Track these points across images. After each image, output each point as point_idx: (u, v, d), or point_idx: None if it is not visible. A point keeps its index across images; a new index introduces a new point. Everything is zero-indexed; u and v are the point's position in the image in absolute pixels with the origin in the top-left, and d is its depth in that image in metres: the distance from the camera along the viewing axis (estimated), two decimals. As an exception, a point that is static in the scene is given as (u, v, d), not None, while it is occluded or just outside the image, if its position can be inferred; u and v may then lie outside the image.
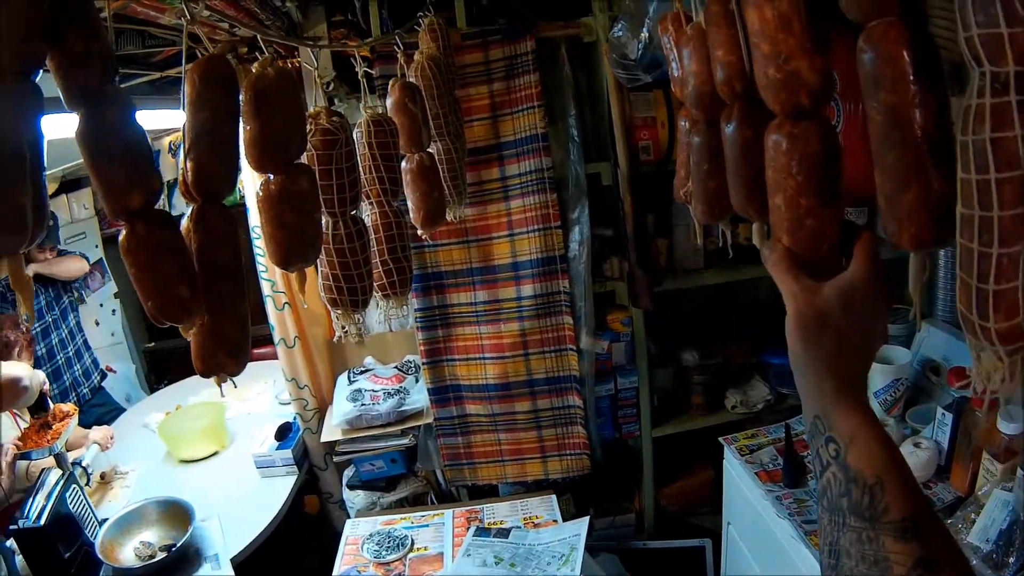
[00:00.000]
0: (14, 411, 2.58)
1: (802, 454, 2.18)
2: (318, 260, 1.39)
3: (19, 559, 2.15)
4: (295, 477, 2.90)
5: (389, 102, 1.74)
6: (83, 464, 2.73)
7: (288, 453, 2.90)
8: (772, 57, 0.79)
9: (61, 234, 4.07)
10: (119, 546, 2.35)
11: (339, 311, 1.46)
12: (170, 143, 4.20)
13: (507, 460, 2.89)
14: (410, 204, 1.83)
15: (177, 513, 2.45)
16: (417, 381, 2.94)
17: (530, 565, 2.28)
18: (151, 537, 2.41)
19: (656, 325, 2.82)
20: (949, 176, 0.67)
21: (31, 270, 3.32)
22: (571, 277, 2.65)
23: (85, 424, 3.08)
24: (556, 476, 2.89)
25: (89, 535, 2.32)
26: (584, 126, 2.64)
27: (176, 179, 3.94)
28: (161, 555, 2.30)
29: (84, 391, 3.67)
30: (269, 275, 2.82)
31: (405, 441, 2.81)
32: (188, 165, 0.99)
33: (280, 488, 2.83)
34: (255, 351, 2.98)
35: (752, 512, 2.17)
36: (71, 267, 3.66)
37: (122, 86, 0.90)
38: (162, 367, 5.06)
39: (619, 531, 3.03)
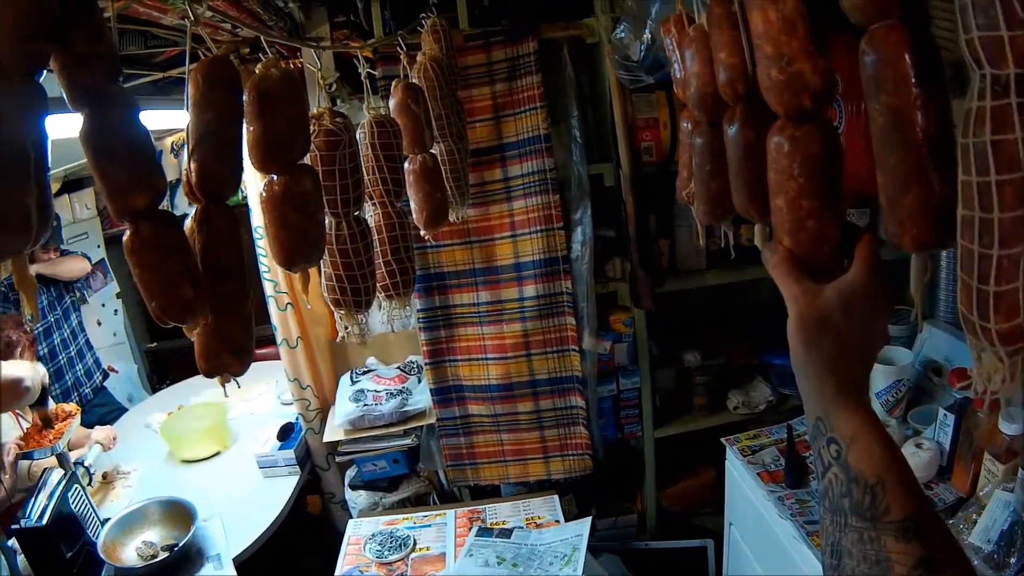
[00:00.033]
0: (16, 411, 2.58)
1: (804, 455, 2.18)
2: (321, 261, 1.39)
3: (21, 559, 2.15)
4: (297, 477, 2.90)
5: (392, 103, 1.74)
6: (85, 464, 2.74)
7: (290, 453, 2.90)
8: (775, 59, 0.79)
9: (63, 234, 4.08)
10: (121, 546, 2.35)
11: (342, 311, 1.46)
12: (172, 144, 4.20)
13: (509, 460, 2.89)
14: (413, 205, 1.83)
15: (179, 513, 2.45)
16: (420, 381, 2.94)
17: (532, 565, 2.28)
18: (153, 537, 2.41)
19: (658, 326, 2.82)
20: (950, 178, 0.67)
21: (33, 270, 3.32)
22: (573, 278, 2.65)
23: (87, 424, 3.08)
24: (558, 476, 2.89)
25: (91, 535, 2.32)
26: (586, 127, 2.64)
27: (178, 180, 3.94)
28: (163, 555, 2.30)
29: (86, 391, 3.67)
30: (272, 275, 2.82)
31: (407, 441, 2.82)
32: (192, 166, 0.99)
33: (282, 488, 2.83)
34: (257, 351, 2.99)
35: (754, 513, 2.17)
36: (72, 267, 3.67)
37: (124, 87, 0.90)
38: (164, 367, 5.07)
39: (621, 531, 3.03)
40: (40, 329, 3.40)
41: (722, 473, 2.46)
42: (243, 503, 2.75)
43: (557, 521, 2.58)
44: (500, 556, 2.34)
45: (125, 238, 0.91)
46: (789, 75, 0.78)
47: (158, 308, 0.93)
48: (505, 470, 2.91)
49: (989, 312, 0.63)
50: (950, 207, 0.67)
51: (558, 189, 2.58)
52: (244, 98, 1.08)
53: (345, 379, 3.02)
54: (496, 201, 2.63)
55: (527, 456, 2.88)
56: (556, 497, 2.75)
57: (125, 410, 3.85)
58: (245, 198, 2.79)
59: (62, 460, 2.43)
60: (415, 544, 2.52)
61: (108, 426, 3.19)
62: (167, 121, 3.06)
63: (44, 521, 2.11)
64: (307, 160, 1.26)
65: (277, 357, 3.04)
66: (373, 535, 2.58)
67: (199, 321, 1.01)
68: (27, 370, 2.41)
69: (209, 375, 1.06)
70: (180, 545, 2.30)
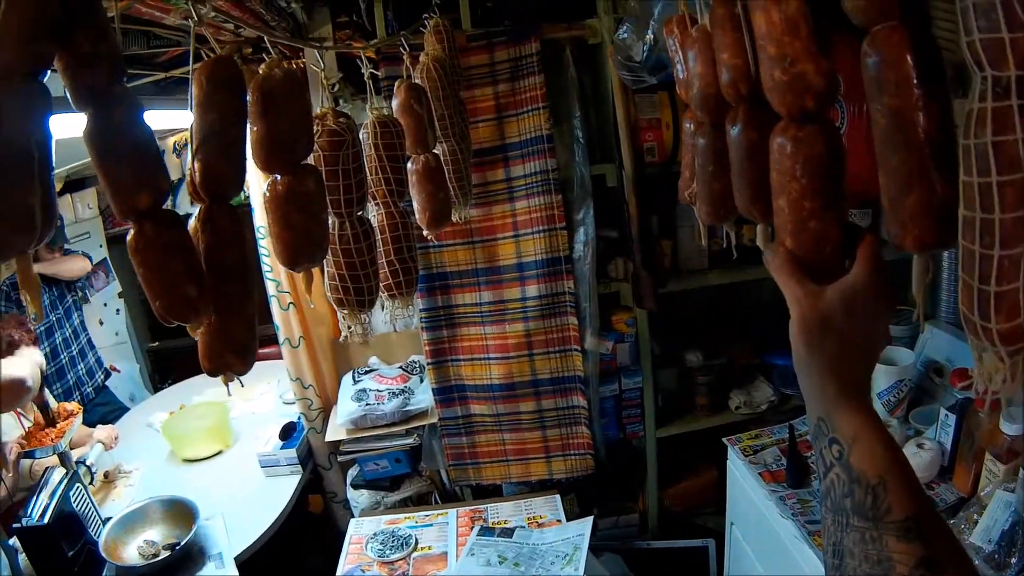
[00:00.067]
0: (18, 410, 2.59)
1: (806, 454, 2.18)
2: (325, 260, 1.39)
3: (22, 557, 2.16)
4: (299, 476, 2.90)
5: (395, 103, 1.74)
6: (87, 463, 2.74)
7: (292, 452, 2.90)
8: (778, 60, 0.79)
9: (66, 234, 4.09)
10: (123, 545, 2.35)
11: (346, 311, 1.46)
12: (174, 143, 4.21)
13: (511, 460, 2.89)
14: (416, 205, 1.84)
15: (181, 512, 2.45)
16: (422, 381, 2.94)
17: (534, 565, 2.28)
18: (155, 536, 2.41)
19: (660, 326, 2.82)
20: (952, 179, 0.67)
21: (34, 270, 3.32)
22: (576, 278, 2.66)
23: (89, 423, 3.09)
24: (560, 476, 2.89)
25: (93, 534, 2.32)
26: (589, 128, 2.65)
27: (180, 179, 3.95)
28: (165, 554, 2.30)
29: (88, 390, 3.68)
30: (274, 275, 2.83)
31: (409, 441, 2.82)
32: (196, 166, 0.99)
33: (284, 487, 2.84)
34: (259, 351, 2.99)
35: (756, 512, 2.17)
36: (73, 267, 3.68)
37: (128, 86, 0.90)
38: (166, 366, 5.08)
39: (623, 531, 3.03)
40: (42, 328, 3.40)
41: (724, 473, 2.46)
42: (245, 502, 2.76)
43: (559, 520, 2.58)
44: (502, 555, 2.34)
45: (129, 237, 0.91)
46: (792, 76, 0.79)
47: (162, 307, 0.93)
48: (507, 470, 2.91)
49: (990, 312, 0.63)
50: (951, 208, 0.67)
51: (560, 189, 2.58)
52: (248, 98, 1.08)
53: (347, 378, 3.02)
54: (499, 201, 2.63)
55: (529, 456, 2.88)
56: (558, 497, 2.75)
57: (127, 409, 3.86)
58: (247, 198, 2.80)
59: (64, 459, 2.44)
60: (417, 543, 2.52)
61: (110, 425, 3.20)
62: (169, 121, 3.07)
63: (46, 520, 2.11)
64: (311, 160, 1.26)
65: (279, 356, 3.05)
66: (375, 534, 2.58)
67: (203, 320, 1.01)
68: (28, 369, 2.42)
69: (212, 374, 1.06)
70: (182, 544, 2.31)
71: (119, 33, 0.91)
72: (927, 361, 2.27)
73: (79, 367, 3.66)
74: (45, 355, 3.31)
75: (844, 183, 0.82)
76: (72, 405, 2.72)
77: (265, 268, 2.80)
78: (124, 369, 4.54)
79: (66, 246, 3.89)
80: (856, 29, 0.74)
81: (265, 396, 3.62)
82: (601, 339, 2.75)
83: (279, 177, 1.19)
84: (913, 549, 0.66)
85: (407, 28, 2.20)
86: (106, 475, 2.91)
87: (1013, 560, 1.52)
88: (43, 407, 2.56)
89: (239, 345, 1.05)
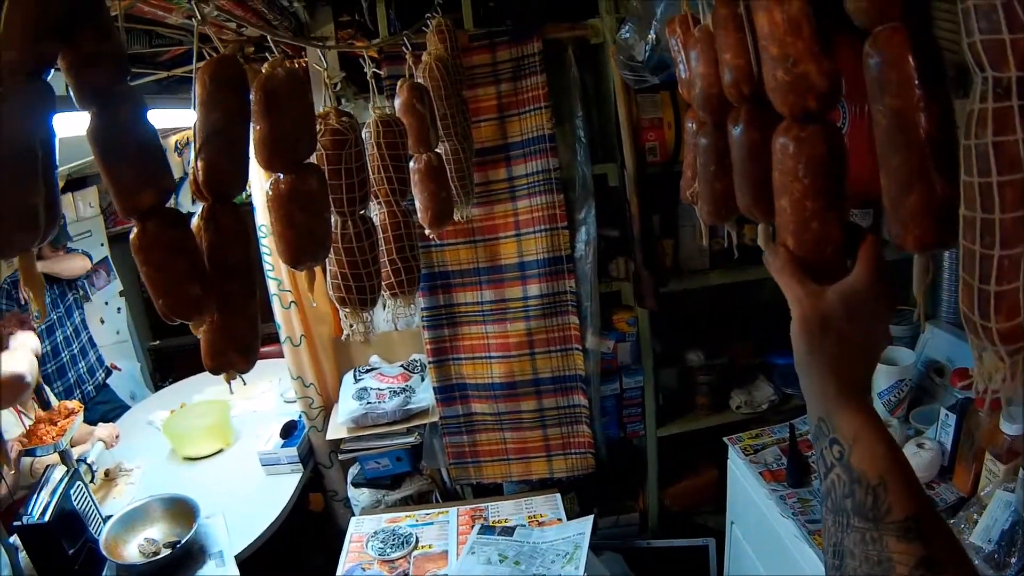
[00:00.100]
0: (18, 408, 2.59)
1: (806, 454, 2.18)
2: (327, 259, 1.40)
3: (23, 555, 2.16)
4: (300, 475, 2.91)
5: (397, 103, 1.75)
6: (88, 461, 2.74)
7: (293, 451, 2.91)
8: (781, 60, 0.80)
9: (69, 232, 4.09)
10: (123, 543, 2.35)
11: (348, 310, 1.46)
12: (176, 142, 4.22)
13: (512, 459, 2.90)
14: (418, 204, 1.84)
15: (182, 510, 2.45)
16: (423, 380, 2.95)
17: (534, 563, 2.28)
18: (155, 534, 2.41)
19: (661, 325, 2.82)
20: (952, 179, 0.67)
21: (35, 268, 3.33)
22: (577, 277, 2.66)
23: (90, 421, 3.10)
24: (561, 475, 2.89)
25: (93, 532, 2.32)
26: (591, 127, 2.65)
27: (182, 178, 3.95)
28: (165, 552, 2.30)
29: (89, 388, 3.68)
30: (276, 274, 2.83)
31: (410, 439, 2.82)
32: (199, 165, 0.99)
33: (285, 486, 2.84)
34: (261, 349, 2.99)
35: (756, 512, 2.18)
36: (73, 265, 3.68)
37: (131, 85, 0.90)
38: (167, 365, 5.09)
39: (623, 530, 3.04)
40: (43, 326, 3.40)
41: (724, 472, 2.47)
42: (246, 500, 2.76)
43: (559, 519, 2.58)
44: (502, 554, 2.35)
45: (132, 236, 0.91)
46: (794, 76, 0.79)
47: (165, 305, 0.93)
48: (508, 468, 2.91)
49: (990, 312, 0.64)
50: (952, 208, 0.67)
51: (562, 189, 2.58)
52: (251, 97, 1.08)
53: (348, 377, 3.03)
54: (500, 200, 2.63)
55: (530, 454, 2.88)
56: (558, 495, 2.75)
57: (128, 407, 3.86)
58: (249, 196, 2.80)
59: (64, 457, 2.44)
60: (417, 542, 2.52)
61: (111, 423, 3.21)
62: (171, 120, 3.07)
63: (46, 518, 2.11)
64: (313, 159, 1.26)
65: (280, 355, 3.05)
66: (375, 533, 2.58)
67: (205, 319, 1.01)
68: (27, 365, 2.42)
69: (215, 372, 1.06)
70: (182, 542, 2.31)
71: (122, 32, 0.91)
72: (927, 361, 2.27)
73: (80, 365, 3.66)
74: (46, 353, 3.33)
75: (846, 183, 0.82)
76: (73, 403, 2.72)
77: (267, 267, 2.81)
78: (125, 367, 4.54)
79: (68, 244, 3.89)
80: (858, 30, 0.74)
81: (266, 394, 3.62)
82: (602, 338, 2.75)
83: (282, 176, 1.19)
84: (913, 549, 0.67)
85: (409, 28, 2.20)
86: (107, 473, 2.91)
87: (1013, 560, 1.52)
88: (38, 393, 2.55)
89: (242, 343, 1.06)
